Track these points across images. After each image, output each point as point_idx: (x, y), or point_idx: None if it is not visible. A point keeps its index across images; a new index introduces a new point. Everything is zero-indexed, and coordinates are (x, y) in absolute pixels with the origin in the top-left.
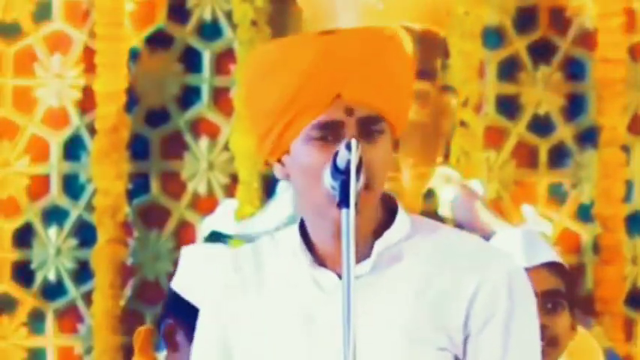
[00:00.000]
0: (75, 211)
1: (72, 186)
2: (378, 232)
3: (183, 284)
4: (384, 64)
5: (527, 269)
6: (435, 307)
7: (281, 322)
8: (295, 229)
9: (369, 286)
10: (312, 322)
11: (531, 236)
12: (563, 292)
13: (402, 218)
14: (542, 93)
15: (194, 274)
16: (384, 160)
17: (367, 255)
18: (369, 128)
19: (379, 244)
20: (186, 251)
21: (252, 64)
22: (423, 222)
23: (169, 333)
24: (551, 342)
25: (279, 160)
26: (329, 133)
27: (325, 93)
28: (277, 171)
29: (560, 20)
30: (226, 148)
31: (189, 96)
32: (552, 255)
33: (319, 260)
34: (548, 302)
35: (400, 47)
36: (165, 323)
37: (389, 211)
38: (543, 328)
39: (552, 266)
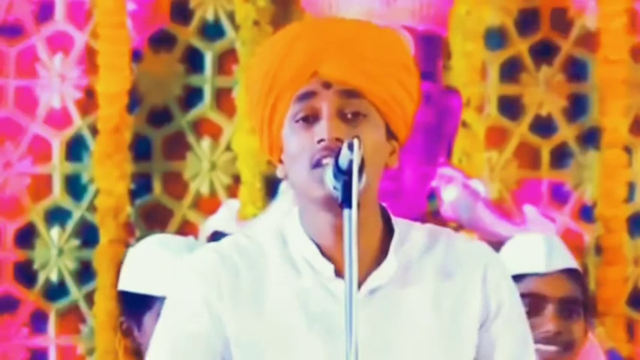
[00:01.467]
0: (77, 212)
1: (74, 186)
2: (383, 244)
3: (138, 280)
4: (369, 47)
5: (546, 274)
6: (453, 315)
7: (289, 328)
8: (283, 231)
9: (385, 298)
10: (327, 331)
11: (552, 241)
12: (581, 300)
13: (395, 225)
14: (544, 94)
15: (152, 266)
16: (369, 148)
17: (376, 267)
18: (350, 111)
19: (389, 257)
20: (131, 251)
21: (252, 59)
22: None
23: (127, 332)
24: (566, 348)
25: (281, 161)
26: (309, 110)
27: (303, 69)
28: (279, 171)
29: (562, 21)
30: (229, 148)
31: (191, 96)
32: (571, 262)
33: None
34: (565, 309)
35: (394, 40)
36: (120, 324)
37: (386, 221)
38: (558, 335)
39: (571, 273)
